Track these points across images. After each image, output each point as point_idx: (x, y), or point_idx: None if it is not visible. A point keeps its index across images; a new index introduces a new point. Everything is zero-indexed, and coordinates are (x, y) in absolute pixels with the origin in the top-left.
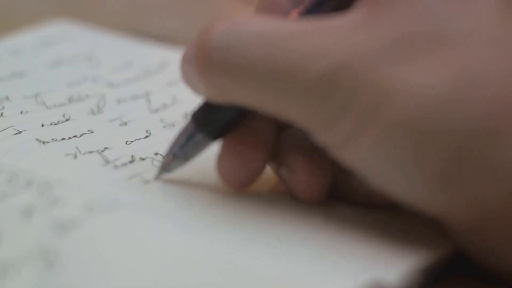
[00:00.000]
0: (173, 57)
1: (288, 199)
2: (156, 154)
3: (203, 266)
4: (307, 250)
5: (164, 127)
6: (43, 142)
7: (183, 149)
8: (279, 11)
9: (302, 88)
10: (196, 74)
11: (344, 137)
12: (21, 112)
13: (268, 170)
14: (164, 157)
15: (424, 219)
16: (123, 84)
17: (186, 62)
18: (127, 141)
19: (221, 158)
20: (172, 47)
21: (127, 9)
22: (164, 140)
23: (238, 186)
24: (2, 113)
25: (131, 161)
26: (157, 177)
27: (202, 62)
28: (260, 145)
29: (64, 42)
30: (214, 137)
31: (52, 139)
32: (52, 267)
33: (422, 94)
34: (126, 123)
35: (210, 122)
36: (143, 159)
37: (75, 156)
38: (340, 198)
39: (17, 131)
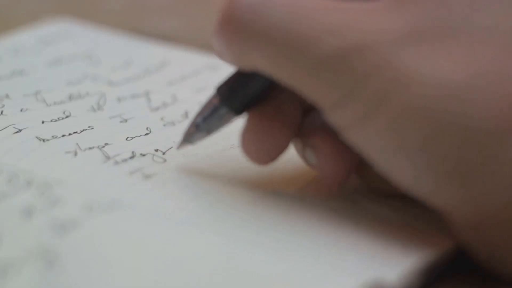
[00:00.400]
0: (173, 56)
1: (290, 198)
2: (156, 150)
3: (203, 266)
4: (307, 250)
5: (164, 125)
6: (43, 140)
7: (206, 121)
8: None
9: (314, 62)
10: (222, 36)
11: (353, 119)
12: (21, 110)
13: (284, 170)
14: (187, 127)
15: (425, 219)
16: (123, 82)
17: (216, 24)
18: (127, 137)
19: (246, 132)
20: (172, 46)
21: (127, 9)
22: (164, 138)
23: (260, 162)
24: (2, 111)
25: (132, 157)
26: (179, 147)
27: (228, 23)
28: (285, 122)
29: (64, 40)
30: (237, 111)
31: (52, 136)
32: (52, 267)
33: (435, 85)
34: (126, 120)
35: (234, 96)
36: (144, 155)
37: (75, 153)
38: (363, 182)
39: (17, 130)
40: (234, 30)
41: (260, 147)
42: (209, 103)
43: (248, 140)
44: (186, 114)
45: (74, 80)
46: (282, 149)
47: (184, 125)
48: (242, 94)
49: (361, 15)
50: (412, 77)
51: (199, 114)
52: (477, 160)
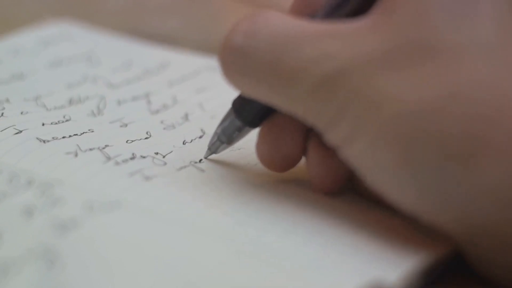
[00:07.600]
0: (173, 57)
1: (293, 197)
2: (156, 153)
3: (203, 266)
4: (308, 250)
5: (164, 128)
6: (44, 141)
7: (224, 133)
8: (312, 8)
9: (305, 90)
10: (221, 72)
11: (342, 139)
12: (21, 113)
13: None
14: (211, 138)
15: None
16: (123, 84)
17: (217, 61)
18: (127, 140)
19: (259, 143)
20: (172, 47)
21: (127, 9)
22: (164, 142)
23: (277, 170)
24: (2, 113)
25: (132, 158)
26: (205, 157)
27: (223, 60)
28: (294, 132)
29: (64, 42)
30: (251, 124)
31: (53, 138)
32: (53, 266)
33: (408, 104)
34: (126, 125)
35: (245, 110)
36: (144, 157)
37: (76, 154)
38: (356, 192)
39: (18, 131)
40: (228, 69)
41: (274, 155)
42: (228, 114)
43: (262, 149)
44: (186, 116)
45: (74, 82)
46: (294, 157)
47: (184, 127)
48: (253, 108)
49: (343, 39)
50: (386, 98)
51: (220, 125)
52: (450, 180)
